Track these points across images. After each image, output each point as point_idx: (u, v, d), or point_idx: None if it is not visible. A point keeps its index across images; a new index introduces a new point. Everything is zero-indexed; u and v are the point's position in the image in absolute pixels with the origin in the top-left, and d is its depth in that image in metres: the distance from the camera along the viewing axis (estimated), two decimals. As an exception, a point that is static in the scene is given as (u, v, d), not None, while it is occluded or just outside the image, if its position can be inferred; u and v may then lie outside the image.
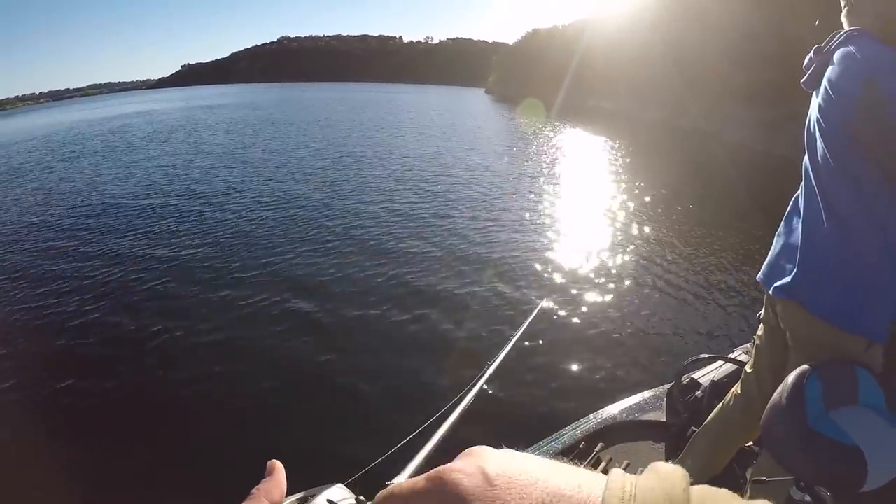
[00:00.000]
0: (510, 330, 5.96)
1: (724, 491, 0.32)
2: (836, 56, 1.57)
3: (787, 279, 1.78)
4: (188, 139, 27.18)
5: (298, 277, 8.08)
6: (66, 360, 5.99)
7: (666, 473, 0.34)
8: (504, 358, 1.56)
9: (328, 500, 0.47)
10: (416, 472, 0.67)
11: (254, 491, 0.47)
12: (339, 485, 0.50)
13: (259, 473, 0.50)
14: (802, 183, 1.79)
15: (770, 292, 1.89)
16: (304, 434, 4.61)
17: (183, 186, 14.72)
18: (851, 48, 1.53)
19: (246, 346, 6.17)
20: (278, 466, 0.51)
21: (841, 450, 1.41)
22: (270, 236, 10.12)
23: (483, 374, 1.42)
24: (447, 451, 0.59)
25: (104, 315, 7.01)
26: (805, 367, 1.57)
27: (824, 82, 1.60)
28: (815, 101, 1.69)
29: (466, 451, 0.40)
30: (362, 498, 0.47)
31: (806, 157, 1.75)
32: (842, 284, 1.62)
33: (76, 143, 29.48)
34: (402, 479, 0.51)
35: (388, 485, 0.41)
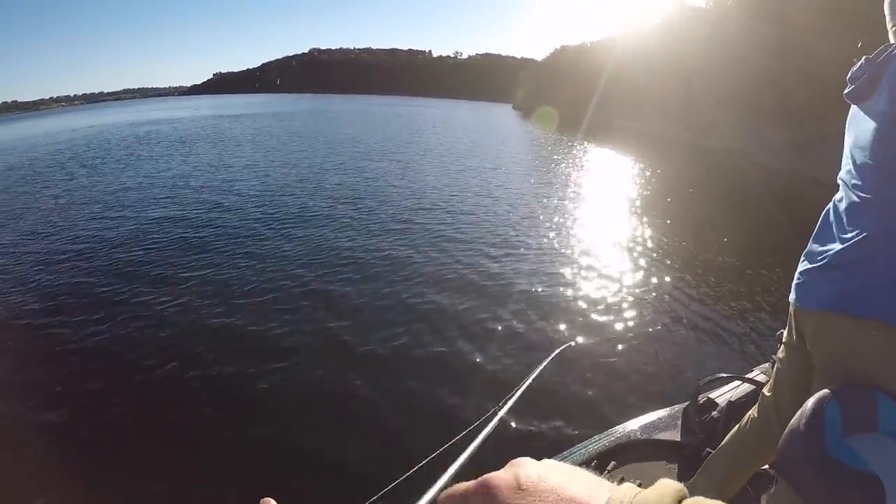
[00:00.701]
0: (532, 356, 6.07)
1: (715, 502, 0.34)
2: None
3: (825, 290, 1.71)
4: (212, 150, 27.13)
5: (314, 295, 7.91)
6: (73, 376, 5.81)
7: (664, 486, 0.37)
8: (527, 388, 1.56)
9: None
10: (432, 501, 0.73)
11: None
12: None
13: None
14: (843, 199, 1.74)
15: (810, 307, 1.80)
16: (323, 454, 4.49)
17: (200, 200, 14.50)
18: None
19: (257, 362, 6.00)
20: None
21: (858, 478, 1.35)
22: (287, 253, 9.93)
23: (506, 403, 1.44)
24: (469, 472, 0.62)
25: (110, 330, 6.82)
26: (825, 391, 1.52)
27: (890, 92, 1.51)
28: (866, 111, 1.64)
29: (513, 461, 0.46)
30: None
31: (851, 168, 1.71)
32: (887, 292, 1.55)
33: (101, 148, 29.80)
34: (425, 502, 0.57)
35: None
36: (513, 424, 4.68)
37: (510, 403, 1.49)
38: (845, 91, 1.72)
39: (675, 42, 42.60)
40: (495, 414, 1.36)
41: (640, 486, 2.09)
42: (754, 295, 8.53)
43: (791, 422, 1.53)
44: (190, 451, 4.58)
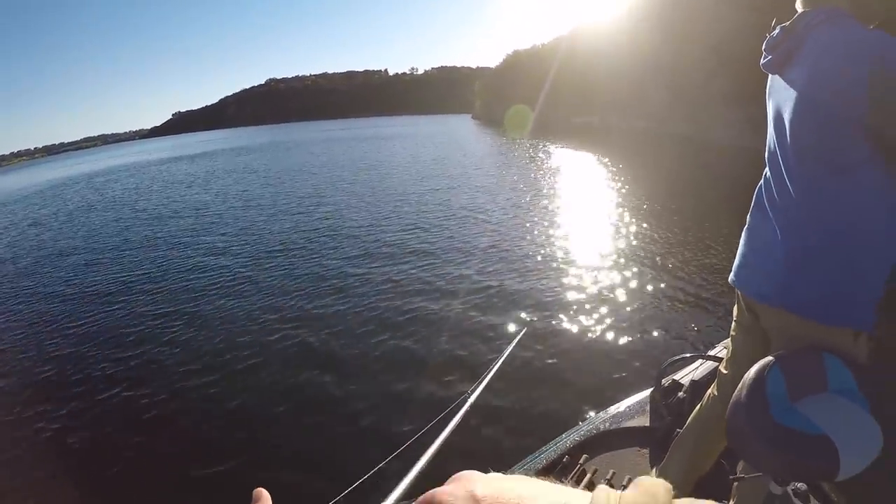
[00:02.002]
0: (492, 353, 6.21)
1: (705, 502, 0.32)
2: (825, 36, 1.47)
3: (765, 280, 1.72)
4: (162, 193, 26.74)
5: (278, 316, 8.07)
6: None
7: (649, 487, 0.33)
8: (489, 381, 1.59)
9: None
10: (406, 493, 0.69)
11: None
12: None
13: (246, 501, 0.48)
14: (769, 175, 1.71)
15: (753, 297, 1.80)
16: (292, 455, 4.73)
17: (149, 252, 13.87)
18: (843, 28, 1.45)
19: (237, 375, 6.33)
20: (265, 495, 0.50)
21: (807, 441, 1.35)
22: (250, 285, 9.88)
23: (470, 396, 1.44)
24: (432, 473, 0.63)
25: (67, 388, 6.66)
26: (767, 359, 1.51)
27: (812, 63, 1.49)
28: (783, 84, 1.61)
29: (456, 475, 0.42)
30: None
31: (775, 146, 1.66)
32: (824, 277, 1.55)
33: (55, 204, 29.12)
34: (392, 501, 0.52)
35: None
36: (478, 429, 4.75)
37: (479, 391, 1.50)
38: (762, 61, 1.69)
39: (624, 36, 43.04)
40: (464, 402, 1.36)
41: (613, 475, 2.56)
42: (716, 272, 8.58)
43: (734, 394, 1.52)
44: (182, 454, 4.88)
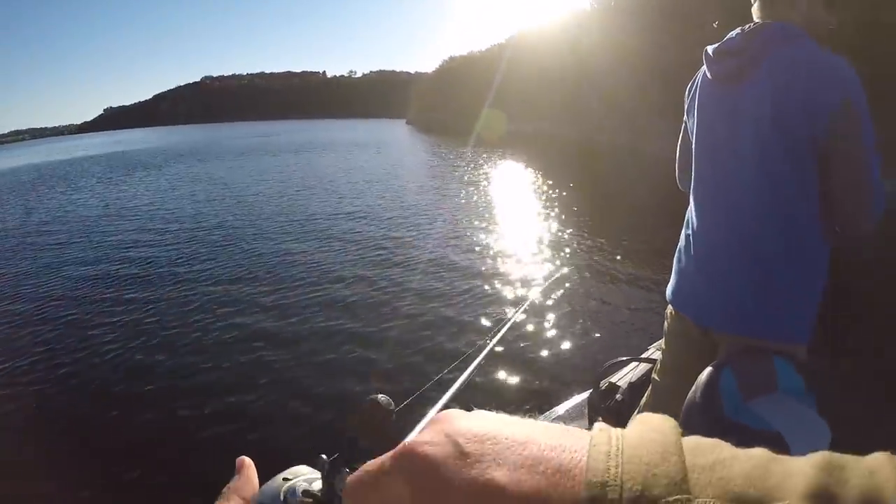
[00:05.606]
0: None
1: (713, 440, 0.31)
2: (796, 53, 1.45)
3: (721, 309, 1.69)
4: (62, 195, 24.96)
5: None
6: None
7: (656, 424, 0.31)
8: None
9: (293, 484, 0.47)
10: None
11: (224, 490, 0.46)
12: (304, 466, 0.51)
13: (230, 471, 0.49)
14: (714, 192, 1.70)
15: (699, 324, 1.78)
16: (279, 419, 4.90)
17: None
18: (808, 49, 1.45)
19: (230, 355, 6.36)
20: (247, 463, 0.51)
21: (759, 438, 1.07)
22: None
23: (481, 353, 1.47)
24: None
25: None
26: (717, 362, 1.54)
27: (781, 81, 1.45)
28: (735, 96, 1.56)
29: (434, 417, 0.36)
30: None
31: (720, 162, 1.65)
32: (786, 300, 1.61)
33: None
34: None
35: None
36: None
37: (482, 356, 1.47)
38: (712, 66, 1.59)
39: (561, 46, 43.73)
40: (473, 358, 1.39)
41: None
42: (651, 277, 8.60)
43: (688, 396, 1.53)
44: (165, 428, 4.91)
